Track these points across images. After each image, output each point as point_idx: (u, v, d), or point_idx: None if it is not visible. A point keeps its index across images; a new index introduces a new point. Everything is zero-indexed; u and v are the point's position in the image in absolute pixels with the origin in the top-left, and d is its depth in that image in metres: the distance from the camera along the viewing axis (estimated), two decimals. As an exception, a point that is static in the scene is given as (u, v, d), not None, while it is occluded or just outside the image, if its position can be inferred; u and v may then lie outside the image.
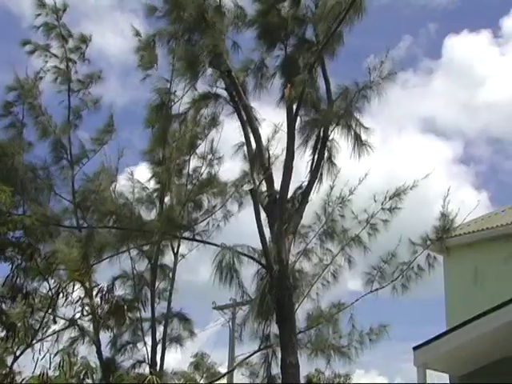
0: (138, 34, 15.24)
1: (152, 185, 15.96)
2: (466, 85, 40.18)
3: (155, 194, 15.65)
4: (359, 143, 11.57)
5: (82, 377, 14.45)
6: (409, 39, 32.47)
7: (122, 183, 15.11)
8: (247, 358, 15.11)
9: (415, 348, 12.62)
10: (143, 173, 16.17)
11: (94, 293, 14.32)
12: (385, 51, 11.37)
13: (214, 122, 14.19)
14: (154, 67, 14.90)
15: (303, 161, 11.59)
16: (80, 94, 15.30)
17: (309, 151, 11.65)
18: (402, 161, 23.11)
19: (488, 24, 53.43)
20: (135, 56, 14.75)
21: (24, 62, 15.18)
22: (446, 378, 14.61)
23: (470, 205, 12.13)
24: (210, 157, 15.76)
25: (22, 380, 12.02)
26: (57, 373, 13.32)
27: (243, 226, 15.59)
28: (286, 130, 11.44)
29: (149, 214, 14.87)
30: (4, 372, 10.96)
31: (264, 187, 11.37)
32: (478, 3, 39.11)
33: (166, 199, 15.34)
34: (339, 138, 11.70)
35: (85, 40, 15.29)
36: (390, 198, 12.52)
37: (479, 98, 39.71)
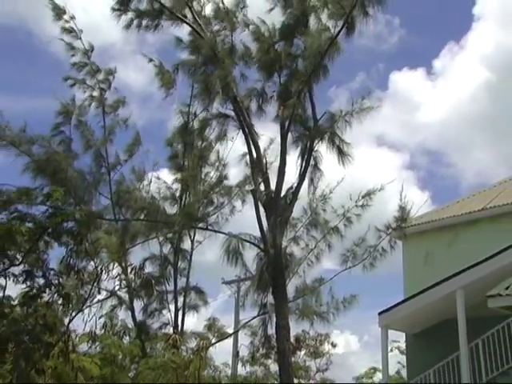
0: (151, 60, 14.83)
1: (172, 185, 16.07)
2: (407, 110, 43.04)
3: (177, 194, 15.77)
4: (342, 154, 11.78)
5: (120, 335, 14.80)
6: (363, 75, 33.93)
7: (150, 185, 15.25)
8: (249, 321, 15.33)
9: (380, 313, 12.91)
10: (164, 177, 16.37)
11: (129, 270, 14.38)
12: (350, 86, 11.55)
13: (224, 137, 14.38)
14: (173, 87, 14.73)
15: (293, 167, 11.80)
16: (112, 116, 15.53)
17: (298, 159, 11.83)
18: (364, 167, 23.92)
19: (423, 64, 58.51)
20: (156, 78, 14.40)
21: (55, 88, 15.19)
22: (402, 335, 14.94)
23: (416, 201, 12.46)
24: (221, 164, 15.85)
25: (76, 337, 12.14)
26: (102, 331, 13.59)
27: (246, 218, 15.70)
28: (279, 142, 11.72)
29: (172, 209, 15.07)
30: (62, 330, 11.01)
31: (262, 188, 11.59)
32: (415, 48, 42.98)
33: (186, 198, 15.52)
34: (323, 150, 11.96)
35: (111, 73, 15.50)
36: (363, 197, 12.78)
37: (417, 119, 42.22)
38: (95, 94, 15.38)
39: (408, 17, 40.47)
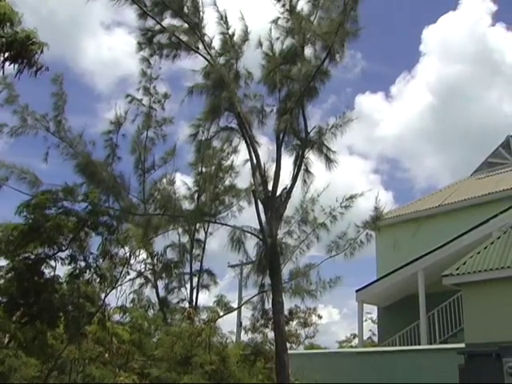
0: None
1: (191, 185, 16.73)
2: (369, 125, 45.39)
3: (194, 193, 16.43)
4: (328, 161, 12.01)
5: (146, 308, 15.34)
6: (334, 97, 36.14)
7: (173, 186, 15.75)
8: (250, 298, 15.62)
9: (357, 290, 13.55)
10: (181, 179, 17.10)
11: (153, 256, 15.08)
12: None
13: (230, 146, 14.78)
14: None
15: (287, 171, 12.07)
16: (154, 129, 16.15)
17: (291, 165, 12.07)
18: (341, 171, 24.78)
19: (382, 88, 61.75)
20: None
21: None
22: (375, 308, 15.44)
23: (382, 200, 12.80)
24: (229, 171, 16.38)
25: (110, 309, 12.49)
26: (131, 305, 14.26)
27: (247, 214, 16.20)
28: (276, 150, 11.91)
29: (190, 206, 15.68)
30: (100, 303, 11.40)
31: (261, 188, 11.77)
32: (376, 76, 46.27)
33: (202, 197, 16.14)
34: (312, 157, 12.17)
35: (166, 95, 16.16)
36: (346, 200, 13.15)
37: (377, 134, 44.79)
38: (145, 110, 15.94)
39: (369, 52, 45.55)
